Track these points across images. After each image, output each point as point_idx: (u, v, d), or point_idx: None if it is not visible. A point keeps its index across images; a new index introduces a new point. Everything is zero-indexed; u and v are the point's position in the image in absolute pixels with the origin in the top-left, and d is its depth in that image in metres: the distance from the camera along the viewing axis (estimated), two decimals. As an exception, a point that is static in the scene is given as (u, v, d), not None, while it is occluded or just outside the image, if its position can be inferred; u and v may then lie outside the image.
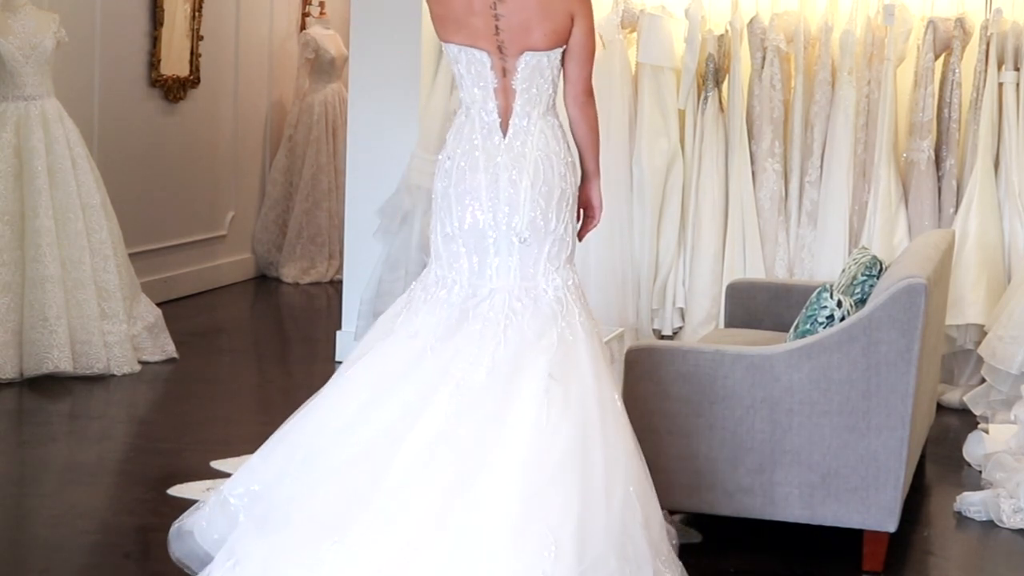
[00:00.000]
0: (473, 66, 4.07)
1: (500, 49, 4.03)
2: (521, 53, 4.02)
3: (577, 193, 4.14)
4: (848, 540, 4.68)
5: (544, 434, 3.80)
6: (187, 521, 4.09)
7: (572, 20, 4.04)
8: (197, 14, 9.26)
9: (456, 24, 4.06)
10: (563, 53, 4.08)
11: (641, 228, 7.39)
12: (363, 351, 4.15)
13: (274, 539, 3.78)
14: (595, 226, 4.27)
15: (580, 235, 4.23)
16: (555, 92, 4.12)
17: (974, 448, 5.80)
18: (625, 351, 4.82)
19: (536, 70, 4.04)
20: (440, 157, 4.17)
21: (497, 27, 4.01)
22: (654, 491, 4.00)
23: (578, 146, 4.19)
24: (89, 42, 8.20)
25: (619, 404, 4.00)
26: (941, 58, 7.10)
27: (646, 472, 4.00)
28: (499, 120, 4.07)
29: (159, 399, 6.83)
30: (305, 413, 4.09)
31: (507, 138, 4.05)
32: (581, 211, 4.22)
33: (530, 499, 3.72)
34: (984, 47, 6.99)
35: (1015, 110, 6.98)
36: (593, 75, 6.74)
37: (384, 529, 3.69)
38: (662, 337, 7.43)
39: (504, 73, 4.05)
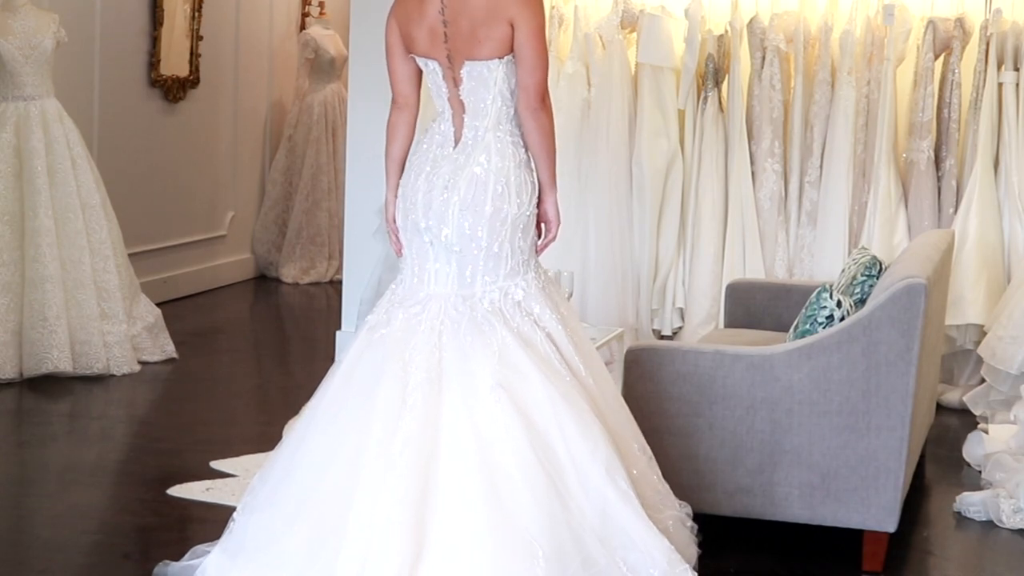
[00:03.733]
0: (431, 76, 4.05)
1: (449, 58, 3.98)
2: (464, 63, 3.97)
3: (531, 212, 4.06)
4: (848, 540, 4.67)
5: (498, 442, 3.76)
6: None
7: (512, 27, 3.93)
8: (197, 14, 9.27)
9: (414, 33, 4.00)
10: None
11: (641, 228, 7.39)
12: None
13: (244, 569, 3.79)
14: (552, 240, 4.17)
15: (538, 250, 4.17)
16: (509, 106, 4.02)
17: (974, 448, 5.79)
18: (625, 351, 4.82)
19: (479, 81, 3.97)
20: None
21: (445, 34, 3.96)
22: (652, 465, 4.08)
23: (532, 157, 4.06)
24: (89, 42, 8.21)
25: (578, 398, 3.91)
26: (941, 58, 7.10)
27: (643, 452, 4.07)
28: (453, 131, 4.04)
29: (159, 399, 6.81)
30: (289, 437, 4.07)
31: (455, 150, 4.01)
32: (542, 224, 4.15)
33: (499, 510, 3.68)
34: (984, 47, 6.98)
35: (1015, 110, 6.98)
36: (593, 75, 6.83)
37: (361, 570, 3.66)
38: (662, 337, 7.43)
39: (455, 83, 4.00)
